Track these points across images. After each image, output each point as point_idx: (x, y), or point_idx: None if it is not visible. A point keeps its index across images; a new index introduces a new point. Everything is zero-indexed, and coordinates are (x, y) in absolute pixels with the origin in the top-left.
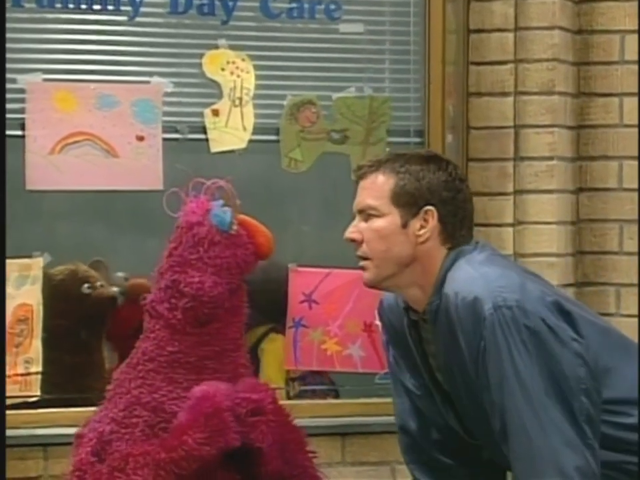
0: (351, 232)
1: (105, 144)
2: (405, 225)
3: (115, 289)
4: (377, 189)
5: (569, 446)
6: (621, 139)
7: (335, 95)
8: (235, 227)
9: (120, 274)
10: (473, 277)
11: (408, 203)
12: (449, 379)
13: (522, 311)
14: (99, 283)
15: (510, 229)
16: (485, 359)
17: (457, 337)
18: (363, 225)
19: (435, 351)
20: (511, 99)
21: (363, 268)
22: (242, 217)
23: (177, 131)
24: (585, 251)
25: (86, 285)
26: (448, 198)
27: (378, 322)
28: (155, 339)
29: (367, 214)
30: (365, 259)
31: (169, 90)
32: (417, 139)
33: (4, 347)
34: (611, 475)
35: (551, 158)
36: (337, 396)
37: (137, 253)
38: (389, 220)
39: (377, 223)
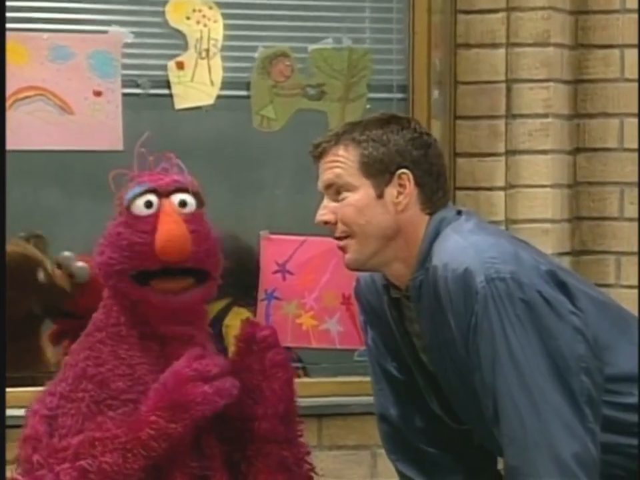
0: (323, 214)
1: (58, 100)
2: (380, 195)
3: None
4: (342, 162)
5: (567, 430)
6: (621, 94)
7: (311, 47)
8: (134, 208)
9: (66, 253)
10: (462, 247)
11: (379, 170)
12: (436, 360)
13: (516, 283)
14: (49, 267)
15: (501, 193)
16: (476, 336)
17: (445, 313)
18: (333, 204)
19: (419, 331)
20: (502, 51)
21: (343, 249)
22: (165, 209)
23: (137, 86)
24: (582, 217)
25: (41, 273)
26: (419, 156)
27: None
28: (104, 306)
29: (336, 191)
30: (346, 237)
31: (129, 41)
32: (400, 95)
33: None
34: (609, 460)
35: (545, 115)
36: (306, 374)
37: (95, 219)
38: (362, 193)
39: (351, 197)
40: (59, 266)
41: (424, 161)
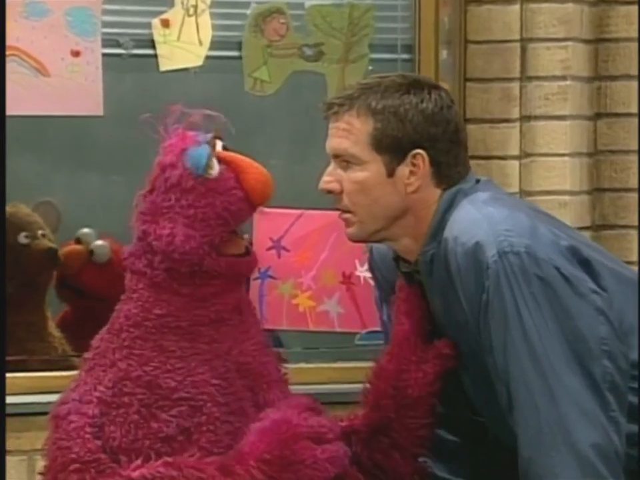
0: (328, 181)
1: (33, 60)
2: (391, 174)
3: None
4: (353, 133)
5: (586, 418)
6: None
7: (308, 3)
8: (212, 171)
9: (86, 230)
10: (475, 219)
11: (392, 147)
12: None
13: (532, 258)
14: (40, 232)
15: (515, 162)
16: (487, 316)
17: (456, 289)
18: (341, 173)
19: (432, 306)
20: (517, 7)
21: (345, 221)
22: (230, 155)
23: (119, 45)
24: (603, 188)
25: (23, 234)
26: (437, 134)
27: (359, 274)
28: (138, 299)
29: (344, 161)
30: (347, 211)
31: None
32: (406, 55)
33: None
34: (632, 454)
35: (563, 78)
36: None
37: (73, 190)
38: (372, 169)
39: (359, 174)
40: (78, 241)
41: (442, 139)
